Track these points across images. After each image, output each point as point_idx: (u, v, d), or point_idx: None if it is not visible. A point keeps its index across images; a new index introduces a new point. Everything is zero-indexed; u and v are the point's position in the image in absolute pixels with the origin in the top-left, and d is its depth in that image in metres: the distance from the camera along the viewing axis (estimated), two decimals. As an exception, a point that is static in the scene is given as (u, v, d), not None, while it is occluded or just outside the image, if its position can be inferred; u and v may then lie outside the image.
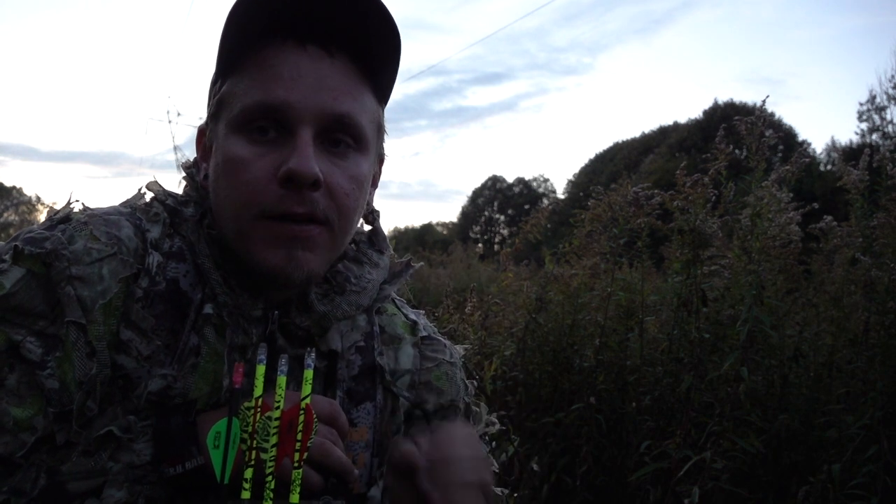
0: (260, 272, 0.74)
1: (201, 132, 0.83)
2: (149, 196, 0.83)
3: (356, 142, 0.77)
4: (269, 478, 0.66)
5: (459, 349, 0.98)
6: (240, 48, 0.75)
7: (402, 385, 0.89)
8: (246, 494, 0.65)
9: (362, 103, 0.77)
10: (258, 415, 0.67)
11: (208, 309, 0.76)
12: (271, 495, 0.65)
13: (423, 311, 0.99)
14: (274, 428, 0.67)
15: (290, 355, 0.78)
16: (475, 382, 0.99)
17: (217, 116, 0.78)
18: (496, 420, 1.00)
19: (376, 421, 0.86)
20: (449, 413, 0.91)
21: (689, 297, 2.43)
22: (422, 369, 0.91)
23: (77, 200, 0.79)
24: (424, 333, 0.94)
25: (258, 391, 0.67)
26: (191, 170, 0.84)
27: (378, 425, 0.86)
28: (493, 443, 0.99)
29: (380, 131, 0.83)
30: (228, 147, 0.74)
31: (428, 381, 0.91)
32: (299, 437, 0.67)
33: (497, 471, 0.96)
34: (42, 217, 0.79)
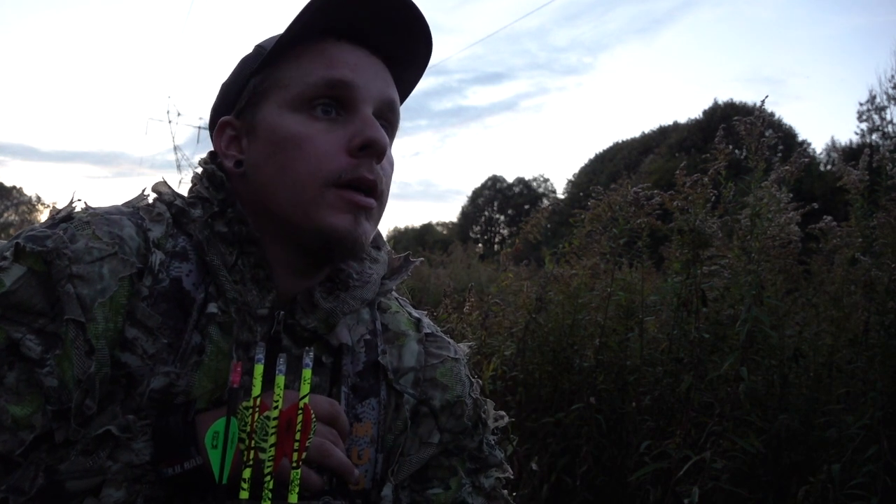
0: (323, 238, 0.77)
1: (224, 125, 0.84)
2: (152, 197, 0.84)
3: (392, 130, 0.85)
4: (268, 478, 0.66)
5: (464, 347, 0.98)
6: (295, 40, 0.79)
7: (406, 382, 0.89)
8: (244, 494, 0.65)
9: (398, 98, 0.86)
10: (256, 414, 0.67)
11: (212, 308, 0.76)
12: (270, 495, 0.65)
13: (425, 312, 0.99)
14: (272, 428, 0.67)
15: (295, 355, 0.78)
16: (480, 382, 0.99)
17: (257, 104, 0.81)
18: (504, 413, 0.99)
19: (380, 417, 0.86)
20: (456, 409, 0.91)
21: (689, 297, 2.43)
22: (426, 366, 0.91)
23: (79, 200, 0.80)
24: (428, 331, 0.95)
25: (256, 391, 0.67)
26: (209, 165, 0.83)
27: (382, 421, 0.86)
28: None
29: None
30: (287, 125, 0.77)
31: (433, 378, 0.91)
32: (298, 436, 0.67)
33: (512, 477, 0.96)
34: (43, 216, 0.79)
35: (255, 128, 0.81)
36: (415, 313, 0.96)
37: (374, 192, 0.79)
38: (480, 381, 0.99)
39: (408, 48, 0.84)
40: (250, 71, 0.82)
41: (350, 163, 0.76)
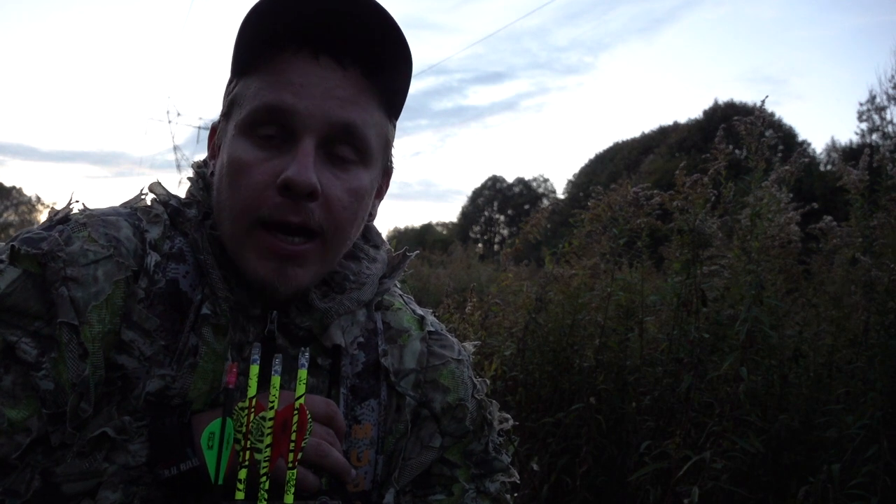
0: (250, 280, 0.75)
1: (213, 130, 0.85)
2: (149, 198, 0.83)
3: (360, 153, 0.77)
4: (264, 478, 0.66)
5: (469, 346, 0.97)
6: (254, 52, 0.75)
7: (406, 384, 0.88)
8: (240, 495, 0.65)
9: (370, 115, 0.77)
10: (252, 415, 0.67)
11: (206, 309, 0.76)
12: (265, 496, 0.65)
13: (430, 310, 0.98)
14: (268, 428, 0.67)
15: (291, 355, 0.78)
16: (487, 381, 0.98)
17: (228, 116, 0.79)
18: (509, 416, 0.98)
19: (381, 418, 0.85)
20: (458, 412, 0.90)
21: (688, 297, 2.43)
22: (428, 367, 0.90)
23: (77, 201, 0.79)
24: (432, 329, 0.93)
25: (252, 391, 0.67)
26: (201, 169, 0.84)
27: (382, 422, 0.85)
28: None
29: (387, 146, 0.83)
30: (234, 149, 0.75)
31: (434, 380, 0.89)
32: (293, 437, 0.67)
33: (518, 482, 0.95)
34: (42, 217, 0.79)
35: (221, 141, 0.80)
36: (419, 310, 0.95)
37: (307, 231, 0.73)
38: (487, 381, 0.97)
39: (379, 51, 0.76)
40: (232, 74, 0.80)
41: (274, 203, 0.72)
